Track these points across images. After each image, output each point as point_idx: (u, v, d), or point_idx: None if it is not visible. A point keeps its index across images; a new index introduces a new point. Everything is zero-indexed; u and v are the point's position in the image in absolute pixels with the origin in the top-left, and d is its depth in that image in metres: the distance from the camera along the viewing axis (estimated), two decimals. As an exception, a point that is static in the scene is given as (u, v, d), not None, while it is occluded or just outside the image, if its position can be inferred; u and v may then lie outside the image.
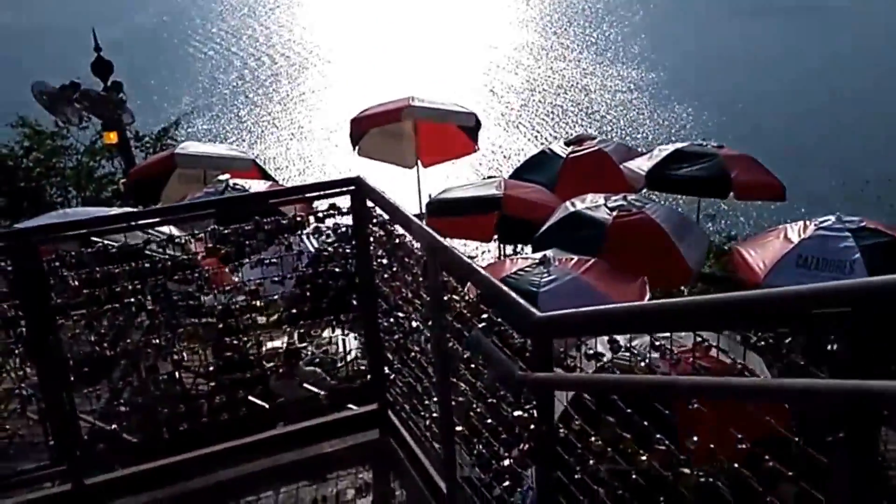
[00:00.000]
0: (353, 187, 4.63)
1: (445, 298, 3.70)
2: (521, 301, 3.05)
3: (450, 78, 64.04)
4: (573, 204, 10.79)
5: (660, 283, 10.43)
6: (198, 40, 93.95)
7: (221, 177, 11.80)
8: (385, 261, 4.52)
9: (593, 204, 10.63)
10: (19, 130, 22.52)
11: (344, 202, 4.79)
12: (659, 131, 40.24)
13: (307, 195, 4.96)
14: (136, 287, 4.65)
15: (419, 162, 15.69)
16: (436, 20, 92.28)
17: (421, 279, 4.12)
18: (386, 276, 4.58)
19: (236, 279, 5.54)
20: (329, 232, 4.93)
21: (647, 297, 9.37)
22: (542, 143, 45.12)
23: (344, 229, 4.78)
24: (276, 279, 4.98)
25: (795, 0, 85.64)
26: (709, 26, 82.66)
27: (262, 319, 5.33)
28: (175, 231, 5.82)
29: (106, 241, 4.81)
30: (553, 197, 12.10)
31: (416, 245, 4.06)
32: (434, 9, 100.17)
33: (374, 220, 4.55)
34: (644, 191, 12.42)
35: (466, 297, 3.64)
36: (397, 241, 4.27)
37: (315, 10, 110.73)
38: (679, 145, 12.85)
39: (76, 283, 4.55)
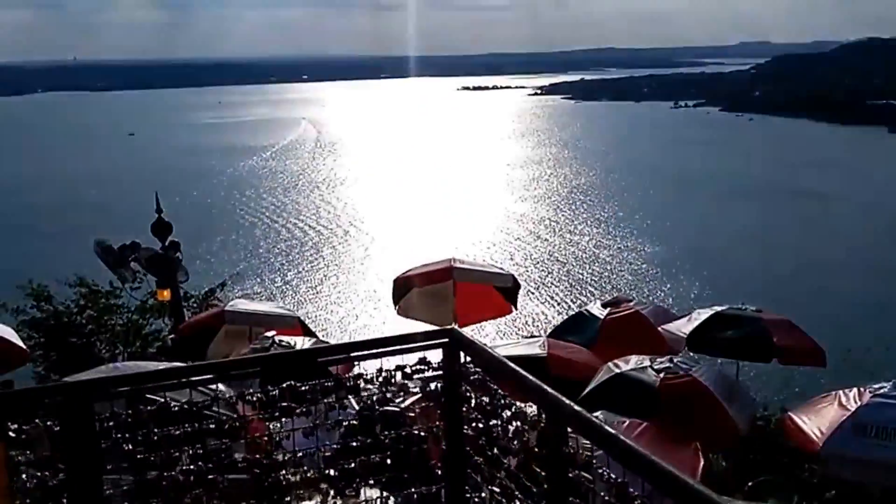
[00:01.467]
0: (445, 339, 3.93)
1: (571, 475, 2.79)
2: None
3: (472, 247, 64.71)
4: (617, 365, 10.02)
5: (710, 446, 9.51)
6: (249, 212, 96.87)
7: (267, 333, 11.17)
8: (482, 424, 3.65)
9: (638, 365, 9.87)
10: (76, 290, 22.48)
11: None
12: (677, 300, 39.72)
13: (395, 348, 4.22)
14: (189, 451, 3.90)
15: (456, 321, 15.06)
16: (455, 196, 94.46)
17: (536, 448, 3.21)
18: (482, 442, 3.69)
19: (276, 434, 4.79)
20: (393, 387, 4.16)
21: (701, 464, 8.54)
22: (565, 308, 44.90)
23: (433, 387, 4.04)
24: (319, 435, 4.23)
25: (798, 184, 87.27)
26: (712, 206, 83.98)
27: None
28: (222, 387, 5.15)
29: (158, 398, 4.08)
30: (595, 357, 11.31)
31: (532, 407, 3.21)
32: (453, 186, 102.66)
33: (471, 378, 3.76)
34: (685, 353, 11.61)
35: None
36: (502, 401, 3.43)
37: (354, 187, 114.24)
38: (718, 308, 12.14)
39: (129, 446, 3.79)
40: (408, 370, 4.15)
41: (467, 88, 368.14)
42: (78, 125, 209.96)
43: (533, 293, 50.27)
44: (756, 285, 42.86)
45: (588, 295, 47.84)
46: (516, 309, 15.86)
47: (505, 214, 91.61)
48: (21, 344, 11.00)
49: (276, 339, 10.83)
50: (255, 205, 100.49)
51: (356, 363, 5.57)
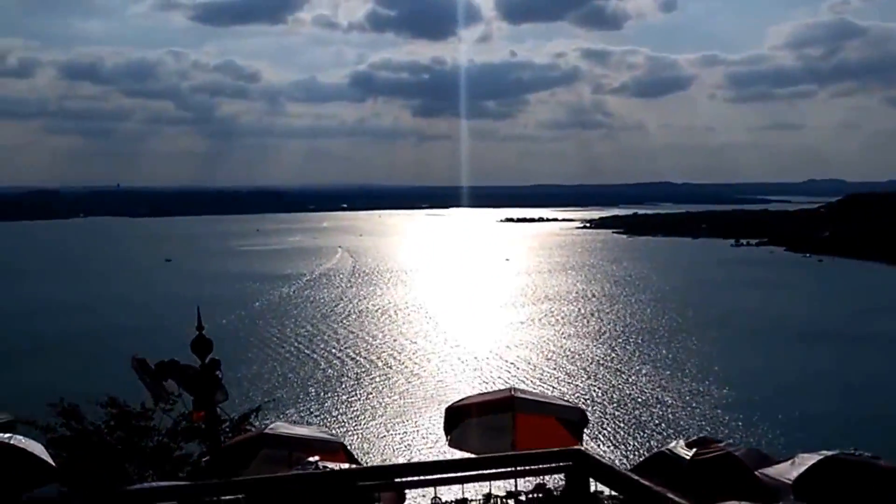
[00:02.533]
0: (569, 462, 3.37)
1: None
2: None
3: (521, 383, 63.28)
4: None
5: None
6: (285, 339, 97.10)
7: (311, 458, 10.51)
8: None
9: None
10: (107, 410, 22.34)
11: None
12: (756, 444, 37.75)
13: (505, 470, 3.64)
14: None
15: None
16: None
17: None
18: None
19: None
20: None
21: None
22: (634, 448, 43.21)
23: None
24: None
25: (871, 329, 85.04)
26: (781, 349, 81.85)
27: None
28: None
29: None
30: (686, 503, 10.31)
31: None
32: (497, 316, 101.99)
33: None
34: (791, 502, 10.57)
35: None
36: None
37: (391, 317, 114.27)
38: (827, 453, 11.13)
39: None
40: (522, 498, 3.54)
41: (511, 220, 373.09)
42: (117, 250, 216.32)
43: (596, 431, 48.63)
44: (838, 428, 40.96)
45: (659, 436, 46.06)
46: (581, 446, 14.94)
47: (555, 350, 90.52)
48: (50, 461, 11.02)
49: (320, 464, 10.21)
50: (290, 332, 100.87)
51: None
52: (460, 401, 15.04)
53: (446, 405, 15.88)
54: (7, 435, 13.26)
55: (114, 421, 21.96)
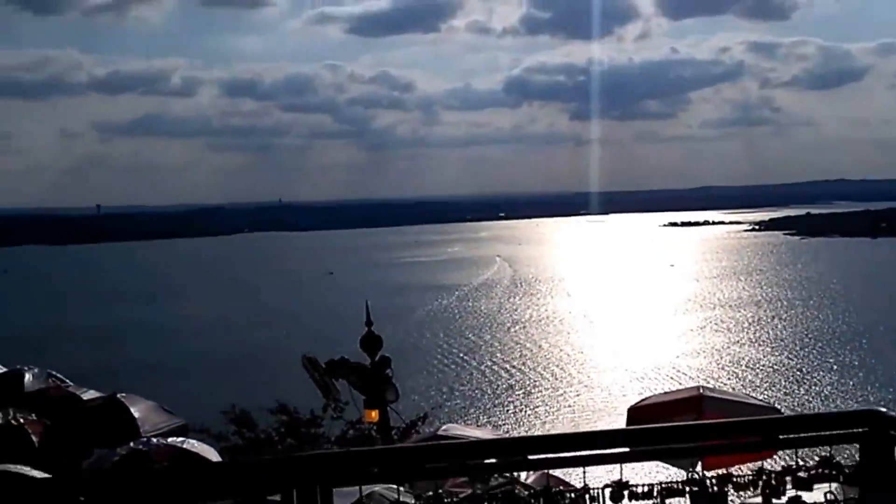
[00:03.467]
0: (863, 428, 2.79)
1: None
2: None
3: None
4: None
5: None
6: (443, 350, 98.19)
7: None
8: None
9: None
10: (277, 417, 23.05)
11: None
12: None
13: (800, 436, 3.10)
14: None
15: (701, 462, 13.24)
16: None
17: None
18: None
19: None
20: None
21: None
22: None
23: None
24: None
25: None
26: None
27: None
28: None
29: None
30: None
31: None
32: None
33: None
34: None
35: None
36: None
37: (554, 326, 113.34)
38: None
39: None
40: (802, 474, 2.98)
41: (674, 224, 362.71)
42: (281, 264, 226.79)
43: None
44: None
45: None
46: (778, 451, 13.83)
47: (730, 358, 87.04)
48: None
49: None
50: (452, 343, 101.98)
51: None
52: (643, 400, 14.39)
53: (619, 414, 15.22)
54: (180, 439, 13.78)
55: (284, 428, 22.62)
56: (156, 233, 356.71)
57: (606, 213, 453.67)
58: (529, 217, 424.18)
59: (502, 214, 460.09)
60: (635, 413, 13.73)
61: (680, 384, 66.10)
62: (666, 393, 14.12)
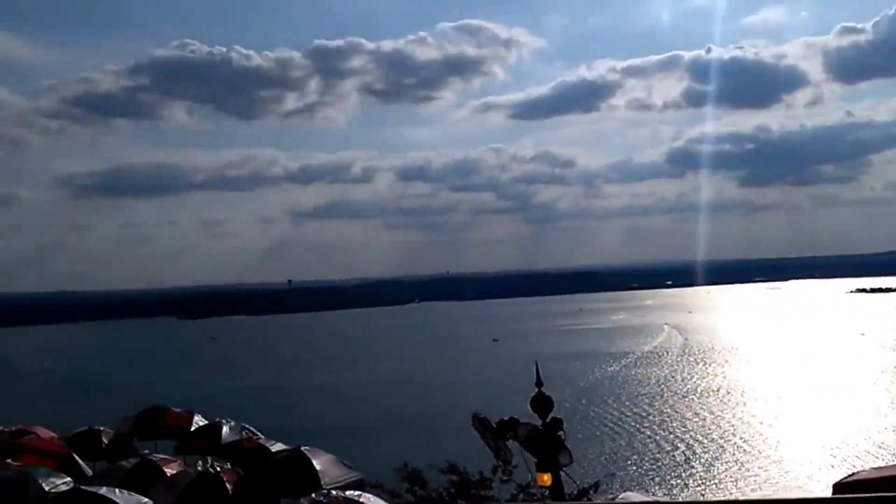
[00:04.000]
0: None
1: None
2: None
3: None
4: None
5: None
6: (611, 419, 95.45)
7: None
8: None
9: None
10: (448, 476, 23.02)
11: None
12: None
13: None
14: None
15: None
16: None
17: None
18: None
19: None
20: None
21: None
22: None
23: None
24: None
25: None
26: None
27: None
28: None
29: None
30: None
31: None
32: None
33: None
34: None
35: None
36: None
37: (731, 398, 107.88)
38: None
39: None
40: None
41: (863, 290, 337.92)
42: (449, 332, 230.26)
43: None
44: None
45: None
46: None
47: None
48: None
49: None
50: (621, 411, 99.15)
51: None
52: (851, 476, 13.33)
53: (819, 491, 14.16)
54: (357, 493, 14.16)
55: (454, 488, 22.52)
56: (339, 304, 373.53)
57: (784, 279, 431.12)
58: (698, 285, 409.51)
59: (669, 282, 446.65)
60: (843, 489, 12.60)
61: (884, 461, 61.14)
62: (878, 468, 12.88)
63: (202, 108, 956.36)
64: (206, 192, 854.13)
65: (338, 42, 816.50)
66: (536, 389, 14.65)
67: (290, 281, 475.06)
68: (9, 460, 14.95)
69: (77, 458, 16.39)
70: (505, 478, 20.89)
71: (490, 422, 15.32)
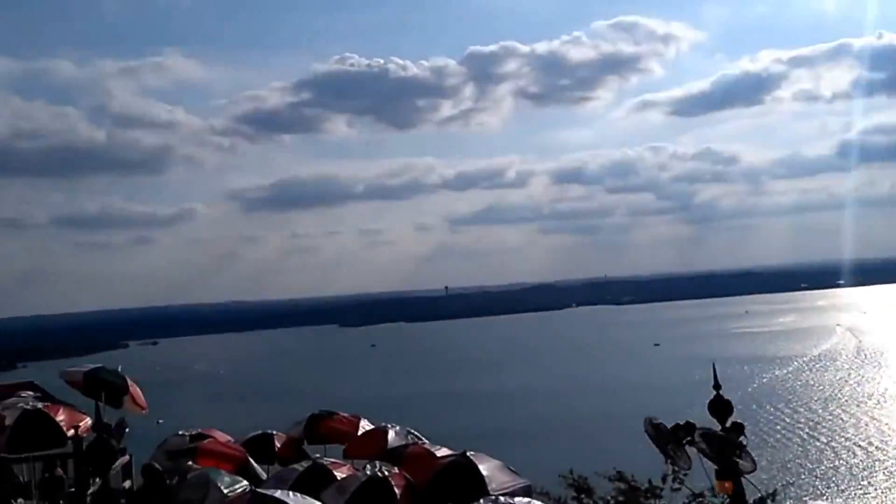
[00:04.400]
0: None
1: None
2: None
3: None
4: None
5: None
6: (782, 425, 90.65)
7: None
8: None
9: None
10: (615, 484, 22.20)
11: None
12: None
13: None
14: None
15: None
16: None
17: None
18: None
19: None
20: None
21: None
22: None
23: None
24: None
25: None
26: None
27: None
28: None
29: None
30: None
31: None
32: None
33: None
34: None
35: None
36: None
37: None
38: None
39: None
40: None
41: None
42: (608, 336, 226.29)
43: None
44: None
45: None
46: None
47: None
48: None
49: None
50: (793, 418, 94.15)
51: None
52: None
53: None
54: (526, 500, 13.71)
55: (622, 497, 21.67)
56: (495, 309, 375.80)
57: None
58: (874, 284, 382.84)
59: (841, 282, 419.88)
60: None
61: None
62: None
63: (361, 119, 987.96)
64: (365, 203, 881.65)
65: (492, 47, 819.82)
66: (714, 393, 13.76)
67: (447, 287, 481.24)
68: (190, 462, 15.48)
69: (252, 461, 16.82)
70: (676, 486, 19.94)
71: (665, 427, 14.52)
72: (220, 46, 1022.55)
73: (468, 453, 14.94)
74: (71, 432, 17.13)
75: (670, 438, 14.10)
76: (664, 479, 20.30)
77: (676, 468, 16.61)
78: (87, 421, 17.64)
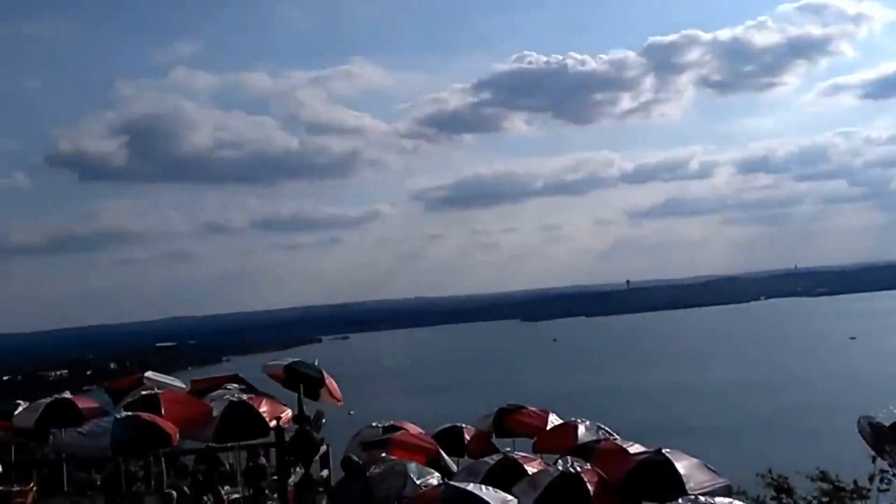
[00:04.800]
0: None
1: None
2: None
3: None
4: None
5: None
6: None
7: None
8: None
9: None
10: (817, 484, 20.69)
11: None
12: None
13: None
14: None
15: None
16: None
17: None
18: None
19: None
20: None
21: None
22: None
23: None
24: None
25: None
26: None
27: None
28: None
29: None
30: None
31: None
32: None
33: None
34: None
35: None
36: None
37: None
38: None
39: None
40: None
41: None
42: (799, 329, 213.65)
43: None
44: None
45: None
46: None
47: None
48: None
49: None
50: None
51: None
52: None
53: None
54: (727, 500, 12.86)
55: (825, 497, 20.20)
56: (678, 303, 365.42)
57: None
58: None
59: None
60: None
61: None
62: None
63: (540, 116, 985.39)
64: (544, 198, 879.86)
65: (672, 37, 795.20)
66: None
67: (628, 281, 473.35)
68: (384, 454, 15.69)
69: (443, 454, 16.85)
70: (884, 486, 18.28)
71: (882, 425, 13.32)
72: (403, 52, 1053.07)
73: (663, 450, 14.24)
74: (273, 423, 17.86)
75: (889, 438, 12.92)
76: (871, 480, 18.72)
77: (891, 468, 15.28)
78: (288, 412, 18.41)
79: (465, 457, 18.52)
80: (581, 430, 17.59)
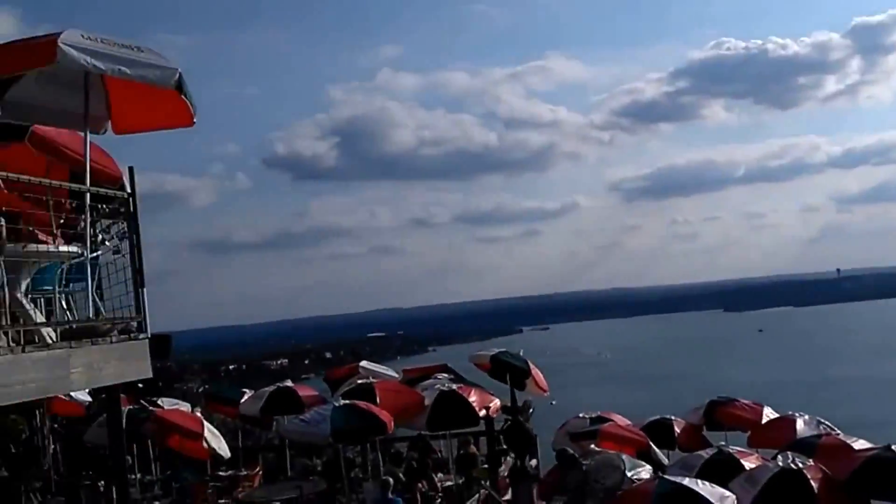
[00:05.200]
0: None
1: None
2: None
3: None
4: None
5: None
6: None
7: None
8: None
9: None
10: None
11: None
12: None
13: None
14: None
15: None
16: None
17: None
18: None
19: None
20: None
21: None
22: None
23: None
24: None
25: None
26: None
27: None
28: None
29: None
30: None
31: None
32: None
33: None
34: None
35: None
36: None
37: None
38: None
39: None
40: None
41: None
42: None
43: None
44: None
45: None
46: None
47: None
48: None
49: None
50: None
51: None
52: None
53: None
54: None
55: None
56: (894, 292, 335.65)
57: None
58: None
59: None
60: None
61: None
62: None
63: (739, 102, 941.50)
64: (746, 186, 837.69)
65: (880, 16, 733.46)
66: None
67: (838, 270, 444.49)
68: (592, 445, 15.58)
69: (654, 446, 16.47)
70: None
71: None
72: (597, 44, 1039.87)
73: (893, 446, 13.16)
74: (482, 412, 18.15)
75: None
76: None
77: None
78: (496, 402, 18.65)
79: (676, 450, 18.02)
80: (800, 424, 16.62)
